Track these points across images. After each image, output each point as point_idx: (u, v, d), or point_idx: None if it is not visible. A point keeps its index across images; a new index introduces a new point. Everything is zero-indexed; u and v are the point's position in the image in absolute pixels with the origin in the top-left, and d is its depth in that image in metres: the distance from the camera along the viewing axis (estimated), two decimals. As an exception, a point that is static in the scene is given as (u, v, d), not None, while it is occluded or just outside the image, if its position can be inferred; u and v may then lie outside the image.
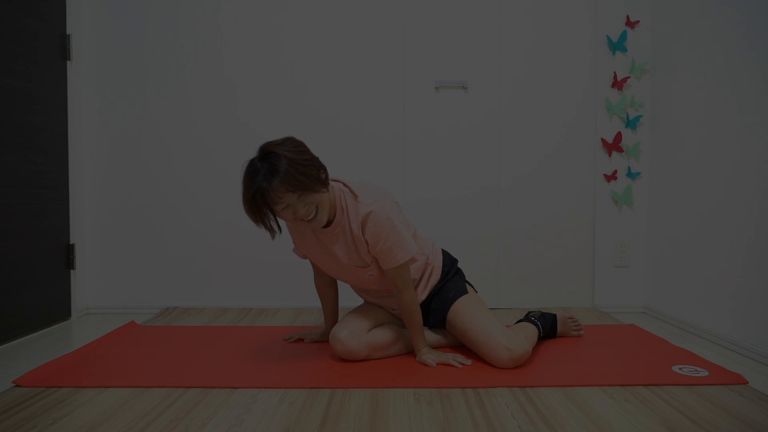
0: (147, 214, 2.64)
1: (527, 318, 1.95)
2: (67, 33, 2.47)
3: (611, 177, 2.61)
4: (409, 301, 1.70)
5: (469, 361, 1.72)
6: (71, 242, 2.49)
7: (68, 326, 2.36)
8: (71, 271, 2.49)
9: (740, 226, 1.92)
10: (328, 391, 1.51)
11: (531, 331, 1.84)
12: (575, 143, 2.63)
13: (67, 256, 2.47)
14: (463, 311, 1.77)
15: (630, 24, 2.58)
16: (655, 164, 2.54)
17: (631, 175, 2.61)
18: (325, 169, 1.62)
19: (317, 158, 1.62)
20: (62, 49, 2.44)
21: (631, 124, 2.59)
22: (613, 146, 2.60)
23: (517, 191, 2.64)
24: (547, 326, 1.96)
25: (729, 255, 1.97)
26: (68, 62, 2.47)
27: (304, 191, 1.53)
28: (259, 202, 1.51)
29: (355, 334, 1.71)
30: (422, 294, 1.83)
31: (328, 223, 1.67)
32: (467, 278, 1.96)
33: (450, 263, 1.90)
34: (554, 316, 2.02)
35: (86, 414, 1.35)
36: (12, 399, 1.45)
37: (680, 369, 1.67)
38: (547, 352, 1.86)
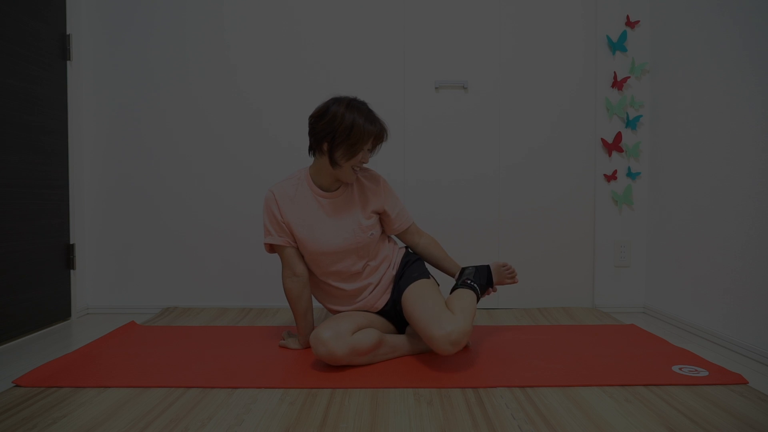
0: (147, 214, 2.64)
1: (463, 282, 1.89)
2: (67, 33, 2.47)
3: (611, 177, 2.61)
4: (429, 239, 2.02)
5: (516, 280, 1.99)
6: (71, 242, 2.49)
7: (68, 326, 2.36)
8: (71, 271, 2.49)
9: (740, 226, 1.92)
10: (328, 391, 1.51)
11: (469, 302, 1.79)
12: (575, 143, 2.63)
13: (67, 256, 2.47)
14: (411, 294, 1.80)
15: (630, 24, 2.58)
16: (655, 164, 2.54)
17: (631, 175, 2.61)
18: None
19: None
20: (62, 49, 2.45)
21: (631, 124, 2.59)
22: (613, 146, 2.60)
23: (517, 191, 2.64)
24: (483, 282, 1.92)
25: (729, 255, 1.97)
26: (68, 62, 2.47)
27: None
28: (367, 136, 1.75)
29: (340, 336, 1.64)
30: (392, 270, 1.94)
31: (337, 188, 1.86)
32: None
33: (411, 254, 2.01)
34: (488, 267, 1.98)
35: (86, 414, 1.35)
36: (12, 399, 1.45)
37: (680, 369, 1.67)
38: (548, 352, 1.86)
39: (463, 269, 1.97)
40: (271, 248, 1.88)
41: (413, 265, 1.94)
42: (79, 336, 2.18)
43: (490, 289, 1.97)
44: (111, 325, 2.32)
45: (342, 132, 1.73)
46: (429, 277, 1.91)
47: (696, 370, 1.66)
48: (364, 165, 1.87)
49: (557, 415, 1.34)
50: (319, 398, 1.45)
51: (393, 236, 2.03)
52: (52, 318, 2.36)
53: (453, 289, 1.89)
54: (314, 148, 1.81)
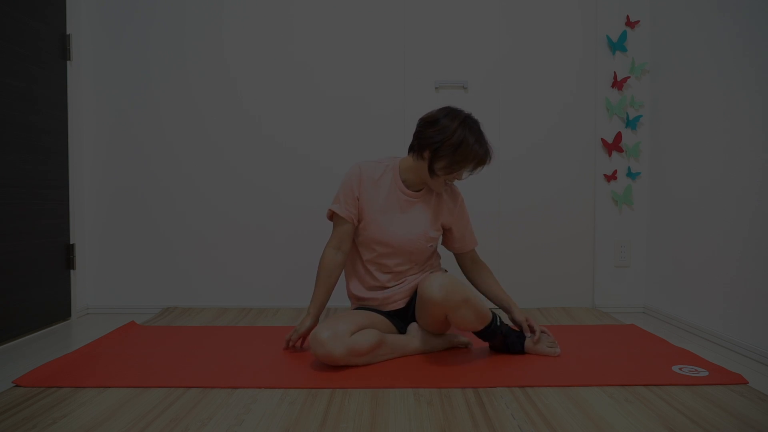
0: (147, 215, 2.64)
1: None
2: (67, 33, 2.47)
3: (611, 177, 2.61)
4: (486, 266, 2.01)
5: (558, 350, 1.82)
6: (71, 242, 2.49)
7: (68, 326, 2.36)
8: (71, 271, 2.49)
9: (740, 226, 1.92)
10: (328, 391, 1.51)
11: (484, 305, 1.74)
12: (575, 143, 2.63)
13: (67, 256, 2.47)
14: (426, 277, 1.79)
15: (630, 24, 2.58)
16: (655, 164, 2.54)
17: (631, 175, 2.61)
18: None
19: None
20: (62, 49, 2.45)
21: (631, 124, 2.59)
22: (613, 146, 2.60)
23: (517, 191, 2.64)
24: (510, 335, 1.82)
25: (729, 255, 1.97)
26: (68, 62, 2.47)
27: None
28: (474, 159, 1.76)
29: (338, 336, 1.63)
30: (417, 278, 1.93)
31: (420, 189, 1.88)
32: None
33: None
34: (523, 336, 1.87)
35: (86, 414, 1.35)
36: (12, 399, 1.45)
37: (680, 369, 1.67)
38: (547, 352, 1.86)
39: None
40: (332, 215, 1.88)
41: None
42: (79, 336, 2.18)
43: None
44: (111, 325, 2.32)
45: (449, 146, 1.73)
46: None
47: (696, 370, 1.66)
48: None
49: (557, 415, 1.34)
50: (319, 398, 1.45)
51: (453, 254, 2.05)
52: (52, 318, 2.36)
53: None
54: (416, 150, 1.81)
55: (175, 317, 2.44)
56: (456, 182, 1.92)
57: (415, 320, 1.89)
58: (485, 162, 1.79)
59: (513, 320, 1.91)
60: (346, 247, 1.87)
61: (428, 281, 1.70)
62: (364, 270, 1.90)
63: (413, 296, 1.91)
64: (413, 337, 1.86)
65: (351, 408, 1.39)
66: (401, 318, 1.92)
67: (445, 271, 2.02)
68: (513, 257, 2.64)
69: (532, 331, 1.84)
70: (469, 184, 2.62)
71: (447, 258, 2.10)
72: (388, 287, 1.89)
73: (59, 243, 2.42)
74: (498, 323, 1.81)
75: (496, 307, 1.96)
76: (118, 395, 1.47)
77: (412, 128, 2.61)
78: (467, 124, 1.76)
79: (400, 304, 1.91)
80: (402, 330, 1.94)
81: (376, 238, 1.85)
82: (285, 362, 1.76)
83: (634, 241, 2.63)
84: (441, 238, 1.98)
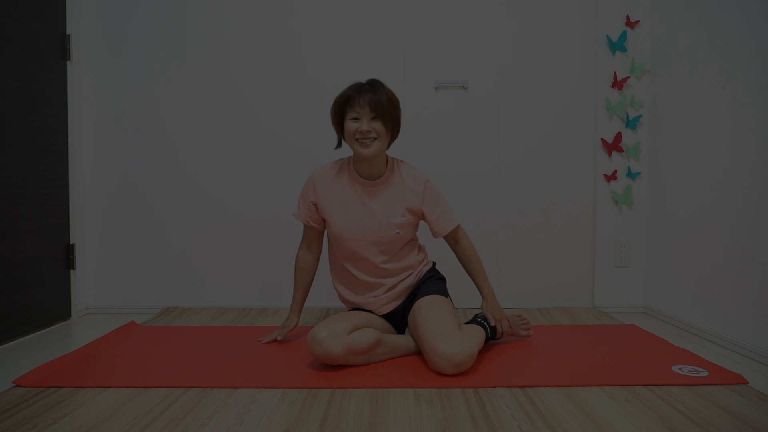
0: (147, 215, 2.64)
1: (474, 320, 1.93)
2: (67, 33, 2.47)
3: (611, 177, 2.61)
4: (470, 246, 1.95)
5: (531, 332, 2.00)
6: (71, 242, 2.49)
7: (68, 326, 2.36)
8: (71, 271, 2.49)
9: (740, 226, 1.92)
10: (328, 391, 1.51)
11: (478, 334, 1.79)
12: (575, 143, 2.63)
13: (67, 256, 2.47)
14: (426, 304, 1.79)
15: (630, 24, 2.58)
16: (655, 164, 2.54)
17: (631, 175, 2.61)
18: (399, 128, 1.87)
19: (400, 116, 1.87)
20: (62, 49, 2.45)
21: (631, 124, 2.59)
22: (613, 146, 2.60)
23: (516, 191, 2.64)
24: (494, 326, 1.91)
25: (729, 255, 1.97)
26: (68, 62, 2.47)
27: (378, 116, 1.75)
28: (344, 101, 1.78)
29: (336, 335, 1.64)
30: (412, 279, 1.93)
31: (377, 177, 1.86)
32: None
33: (437, 272, 2.02)
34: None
35: (86, 414, 1.35)
36: (12, 399, 1.45)
37: (680, 369, 1.67)
38: (548, 352, 1.86)
39: (477, 314, 1.98)
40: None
41: (436, 282, 1.94)
42: (79, 336, 2.18)
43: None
44: (111, 325, 2.32)
45: (331, 109, 1.82)
46: (447, 297, 1.91)
47: (696, 370, 1.66)
48: (409, 163, 1.92)
49: (557, 415, 1.34)
50: (319, 398, 1.45)
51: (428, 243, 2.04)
52: (52, 318, 2.36)
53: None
54: (338, 134, 1.88)
55: (175, 317, 2.45)
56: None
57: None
58: (352, 99, 1.75)
59: (483, 311, 1.95)
60: (315, 248, 1.98)
61: (441, 351, 1.59)
62: (342, 267, 1.91)
63: (405, 301, 1.91)
64: (412, 337, 1.86)
65: (351, 408, 1.39)
66: (393, 323, 1.93)
67: (434, 263, 2.03)
68: (513, 257, 2.64)
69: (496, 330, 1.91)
70: (469, 184, 2.63)
71: (448, 258, 2.10)
72: (370, 291, 1.89)
73: (59, 243, 2.42)
74: (489, 335, 1.88)
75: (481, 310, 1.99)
76: (118, 395, 1.47)
77: (411, 128, 2.63)
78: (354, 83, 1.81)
79: (387, 309, 1.90)
80: (400, 331, 1.94)
81: (341, 233, 1.85)
82: (285, 362, 1.76)
83: (634, 241, 2.63)
84: (412, 229, 1.93)
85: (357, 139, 1.77)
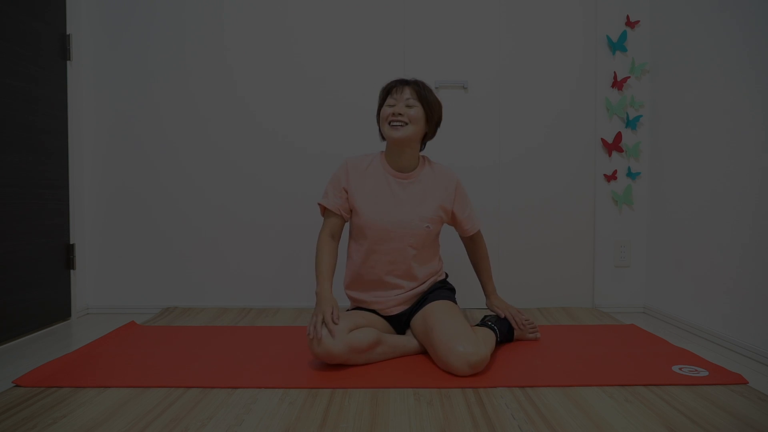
0: (147, 215, 2.64)
1: (483, 322, 1.94)
2: (67, 33, 2.47)
3: (611, 177, 2.61)
4: (484, 245, 2.05)
5: (538, 334, 2.02)
6: (71, 242, 2.49)
7: (68, 326, 2.36)
8: (71, 271, 2.49)
9: (740, 226, 1.92)
10: (328, 391, 1.51)
11: (490, 337, 1.82)
12: (575, 143, 2.63)
13: (67, 256, 2.47)
14: (438, 308, 1.80)
15: (630, 24, 2.58)
16: (655, 164, 2.54)
17: (631, 175, 2.61)
18: (435, 127, 1.95)
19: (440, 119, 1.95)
20: (62, 49, 2.45)
21: (631, 124, 2.59)
22: (613, 146, 2.60)
23: (516, 191, 2.64)
24: (504, 330, 1.93)
25: (729, 255, 1.97)
26: (68, 62, 2.47)
27: (414, 102, 1.82)
28: (386, 92, 1.87)
29: (336, 333, 1.63)
30: (426, 286, 1.93)
31: (408, 170, 1.89)
32: None
33: (449, 283, 2.03)
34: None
35: (86, 414, 1.35)
36: (12, 399, 1.45)
37: (680, 369, 1.67)
38: (548, 352, 1.86)
39: (485, 315, 2.01)
40: (323, 210, 1.91)
41: (447, 291, 1.95)
42: (79, 336, 2.18)
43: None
44: (111, 325, 2.32)
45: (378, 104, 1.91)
46: (456, 304, 1.92)
47: (696, 370, 1.66)
48: (440, 163, 1.98)
49: (557, 415, 1.34)
50: (319, 398, 1.45)
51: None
52: (52, 318, 2.36)
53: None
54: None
55: (175, 317, 2.44)
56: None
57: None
58: (393, 87, 1.85)
59: (489, 307, 2.02)
60: (337, 238, 1.92)
61: (459, 351, 1.59)
62: (361, 262, 1.87)
63: (413, 305, 1.91)
64: (413, 337, 1.86)
65: (351, 408, 1.39)
66: (399, 324, 1.93)
67: (447, 275, 2.04)
68: (513, 257, 2.64)
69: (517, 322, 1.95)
70: (468, 184, 2.62)
71: (446, 255, 2.10)
72: (384, 290, 1.88)
73: (59, 243, 2.42)
74: (498, 339, 1.89)
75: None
76: (118, 395, 1.47)
77: (412, 128, 2.63)
78: None
79: (395, 311, 1.90)
80: (400, 332, 1.94)
81: (368, 222, 1.83)
82: (285, 362, 1.76)
83: (634, 241, 2.63)
84: (440, 226, 1.93)
85: (389, 123, 1.82)
